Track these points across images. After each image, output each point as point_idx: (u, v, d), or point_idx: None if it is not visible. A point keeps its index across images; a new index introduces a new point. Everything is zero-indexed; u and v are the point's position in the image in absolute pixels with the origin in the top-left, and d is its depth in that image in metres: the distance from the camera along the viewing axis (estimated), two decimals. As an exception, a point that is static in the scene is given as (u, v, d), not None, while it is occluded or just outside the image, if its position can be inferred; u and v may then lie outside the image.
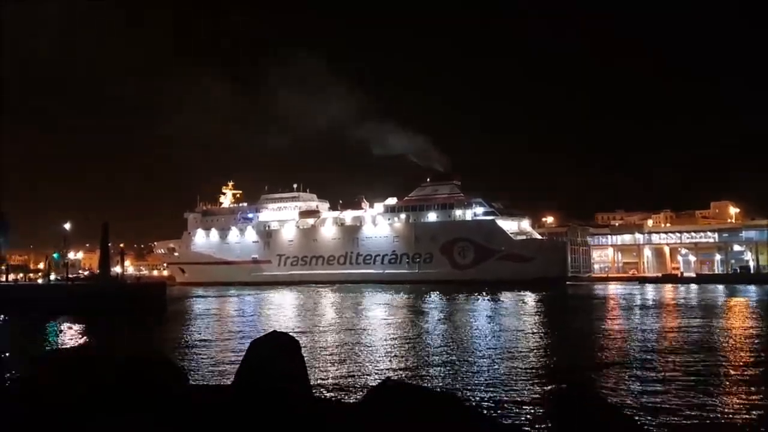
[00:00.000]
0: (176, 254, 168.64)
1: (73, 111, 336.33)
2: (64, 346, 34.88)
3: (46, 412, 8.03)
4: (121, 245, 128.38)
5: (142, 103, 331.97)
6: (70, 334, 43.43)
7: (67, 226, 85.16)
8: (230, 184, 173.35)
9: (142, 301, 61.32)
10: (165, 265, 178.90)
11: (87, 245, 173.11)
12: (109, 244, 79.84)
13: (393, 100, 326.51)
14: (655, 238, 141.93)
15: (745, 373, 24.77)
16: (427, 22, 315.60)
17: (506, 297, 77.57)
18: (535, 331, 41.03)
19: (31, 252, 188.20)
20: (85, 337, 41.87)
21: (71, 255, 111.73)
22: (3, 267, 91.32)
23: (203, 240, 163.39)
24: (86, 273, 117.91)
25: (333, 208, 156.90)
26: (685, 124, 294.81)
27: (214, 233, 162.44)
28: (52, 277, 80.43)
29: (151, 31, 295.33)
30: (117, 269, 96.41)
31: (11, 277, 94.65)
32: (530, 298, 75.55)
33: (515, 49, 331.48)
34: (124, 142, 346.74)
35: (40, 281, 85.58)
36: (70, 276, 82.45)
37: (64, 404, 8.08)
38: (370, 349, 32.64)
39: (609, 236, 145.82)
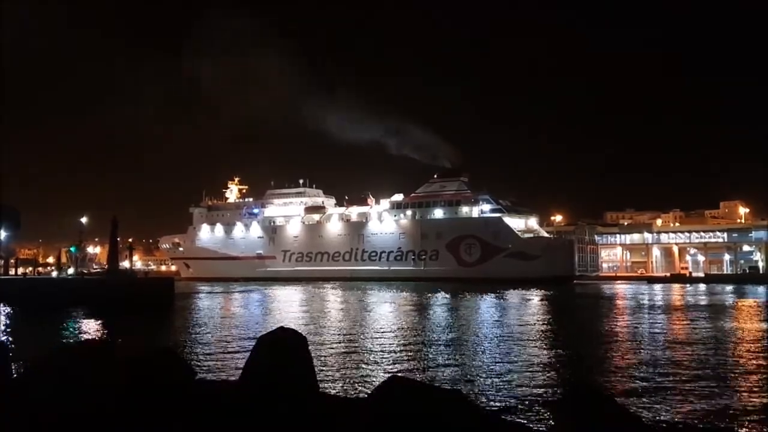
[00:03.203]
0: (181, 249, 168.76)
1: (72, 108, 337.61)
2: (68, 341, 35.02)
3: (47, 407, 8.01)
4: (130, 240, 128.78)
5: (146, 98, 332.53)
6: (77, 329, 43.55)
7: (84, 220, 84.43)
8: (236, 179, 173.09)
9: (150, 296, 61.43)
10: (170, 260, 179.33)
11: (96, 239, 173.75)
12: (118, 239, 79.88)
13: (395, 97, 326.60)
14: (664, 237, 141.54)
15: (752, 373, 24.64)
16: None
17: (512, 295, 77.42)
18: (541, 329, 40.92)
19: (41, 246, 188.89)
20: (91, 332, 41.99)
21: (90, 249, 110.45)
22: (12, 260, 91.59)
23: (208, 235, 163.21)
24: (100, 268, 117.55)
25: (339, 204, 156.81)
26: (696, 124, 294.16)
27: (219, 228, 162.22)
28: (70, 271, 79.18)
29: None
30: (125, 264, 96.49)
31: (20, 270, 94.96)
32: (536, 297, 75.40)
33: (522, 46, 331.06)
34: (128, 137, 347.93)
35: (54, 274, 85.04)
36: (86, 270, 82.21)
37: (67, 400, 8.06)
38: (376, 345, 32.63)
39: (618, 235, 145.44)
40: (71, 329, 43.22)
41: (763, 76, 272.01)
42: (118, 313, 51.48)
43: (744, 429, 16.68)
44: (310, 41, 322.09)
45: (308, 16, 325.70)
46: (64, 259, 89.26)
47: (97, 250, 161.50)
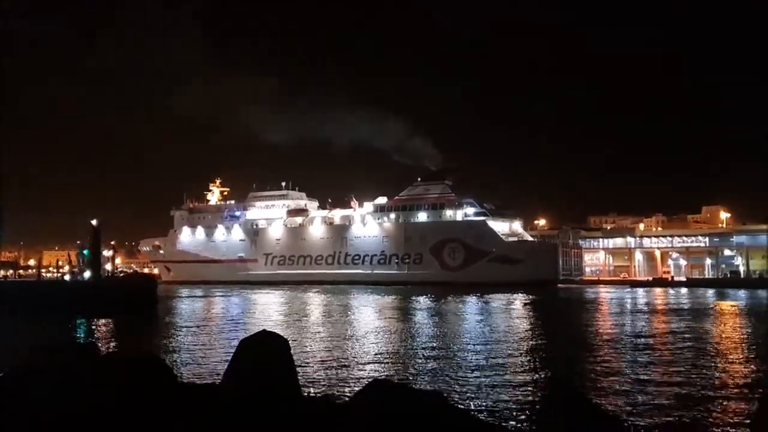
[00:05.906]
0: (161, 252, 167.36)
1: (56, 105, 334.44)
2: (50, 342, 34.52)
3: (47, 407, 7.90)
4: (112, 242, 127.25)
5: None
6: (59, 331, 43.08)
7: (95, 222, 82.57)
8: (217, 181, 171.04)
9: (132, 299, 61.20)
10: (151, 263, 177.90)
11: (78, 242, 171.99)
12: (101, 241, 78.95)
13: (385, 95, 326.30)
14: (646, 241, 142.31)
15: (731, 373, 24.77)
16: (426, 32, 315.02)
17: (496, 299, 77.52)
18: (524, 333, 41.00)
19: (22, 248, 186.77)
20: (73, 334, 41.61)
21: (106, 252, 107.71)
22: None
23: (189, 238, 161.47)
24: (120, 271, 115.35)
25: (322, 206, 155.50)
26: (696, 124, 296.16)
27: (200, 231, 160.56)
28: (87, 274, 77.49)
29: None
30: (108, 266, 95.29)
31: (1, 273, 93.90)
32: (520, 301, 75.52)
33: (522, 46, 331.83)
34: (110, 138, 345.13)
35: (67, 278, 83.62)
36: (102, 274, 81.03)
37: (67, 400, 7.95)
38: (359, 349, 32.54)
39: (601, 239, 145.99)
40: (51, 332, 42.75)
41: (763, 76, 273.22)
42: (100, 316, 51.35)
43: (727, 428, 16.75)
44: (310, 41, 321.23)
45: (308, 16, 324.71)
46: (74, 262, 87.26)
47: (109, 252, 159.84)
